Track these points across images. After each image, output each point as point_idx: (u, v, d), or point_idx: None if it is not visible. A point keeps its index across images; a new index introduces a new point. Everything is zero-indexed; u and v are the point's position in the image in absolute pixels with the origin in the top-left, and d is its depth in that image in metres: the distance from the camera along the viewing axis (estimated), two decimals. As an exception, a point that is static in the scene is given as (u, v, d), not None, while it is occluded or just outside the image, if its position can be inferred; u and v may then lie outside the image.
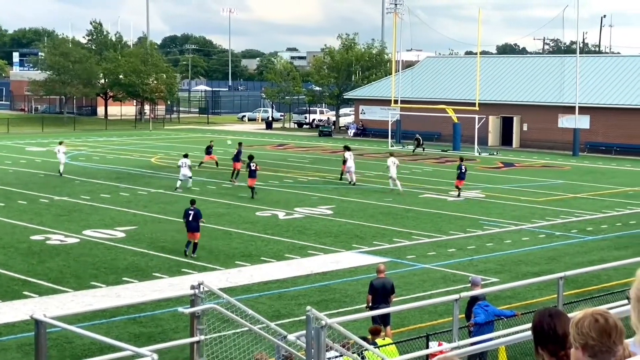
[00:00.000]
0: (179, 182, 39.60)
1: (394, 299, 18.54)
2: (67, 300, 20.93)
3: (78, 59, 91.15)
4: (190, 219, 26.02)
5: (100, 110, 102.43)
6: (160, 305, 20.10)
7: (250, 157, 38.36)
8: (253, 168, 37.65)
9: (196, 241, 26.07)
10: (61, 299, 21.07)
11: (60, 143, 46.30)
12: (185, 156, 40.63)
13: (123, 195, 38.12)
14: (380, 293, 18.17)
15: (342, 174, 43.96)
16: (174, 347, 14.51)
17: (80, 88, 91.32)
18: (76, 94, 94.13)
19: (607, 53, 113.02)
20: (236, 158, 42.95)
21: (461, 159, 40.04)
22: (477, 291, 16.16)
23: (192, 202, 27.19)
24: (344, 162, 43.46)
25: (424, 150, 61.87)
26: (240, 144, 45.64)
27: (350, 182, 42.55)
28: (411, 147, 63.32)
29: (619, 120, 62.58)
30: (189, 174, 40.00)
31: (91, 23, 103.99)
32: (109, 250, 26.79)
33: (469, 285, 17.54)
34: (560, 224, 32.45)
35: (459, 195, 38.45)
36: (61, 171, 44.22)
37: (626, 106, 62.24)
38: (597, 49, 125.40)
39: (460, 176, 38.65)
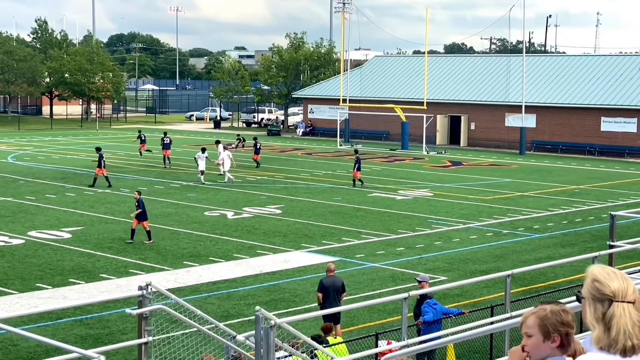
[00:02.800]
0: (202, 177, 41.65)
1: (344, 298, 18.53)
2: (12, 302, 20.58)
3: (22, 57, 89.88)
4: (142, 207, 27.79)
5: (46, 109, 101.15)
6: (107, 307, 19.87)
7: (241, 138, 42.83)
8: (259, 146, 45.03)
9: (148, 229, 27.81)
10: (6, 301, 20.71)
11: None
12: (203, 150, 42.82)
13: (69, 195, 37.63)
14: (331, 292, 18.16)
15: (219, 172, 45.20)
16: (122, 348, 14.33)
17: (25, 87, 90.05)
18: (20, 93, 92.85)
19: (552, 53, 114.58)
20: (166, 147, 49.22)
21: (356, 152, 43.98)
22: (425, 289, 16.23)
23: (139, 192, 28.70)
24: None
25: (243, 147, 60.34)
26: (165, 133, 52.28)
27: (221, 174, 43.57)
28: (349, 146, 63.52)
29: (564, 119, 63.47)
30: (202, 167, 41.76)
31: (36, 21, 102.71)
32: (54, 251, 26.41)
33: (417, 283, 17.61)
34: (507, 222, 32.77)
35: (354, 185, 41.12)
36: None
37: (571, 105, 63.15)
38: (543, 49, 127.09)
39: (358, 168, 41.26)
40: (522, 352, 4.16)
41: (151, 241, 27.51)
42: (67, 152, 57.06)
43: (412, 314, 16.35)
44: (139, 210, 27.73)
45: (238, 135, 51.98)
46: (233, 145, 50.00)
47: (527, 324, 4.19)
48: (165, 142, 49.68)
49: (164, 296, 12.77)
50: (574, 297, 4.10)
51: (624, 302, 3.73)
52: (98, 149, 41.76)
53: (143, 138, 54.14)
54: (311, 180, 43.97)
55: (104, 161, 40.86)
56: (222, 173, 43.17)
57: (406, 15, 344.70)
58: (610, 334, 3.67)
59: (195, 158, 43.30)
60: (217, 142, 46.22)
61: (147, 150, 53.63)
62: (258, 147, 50.26)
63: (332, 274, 18.58)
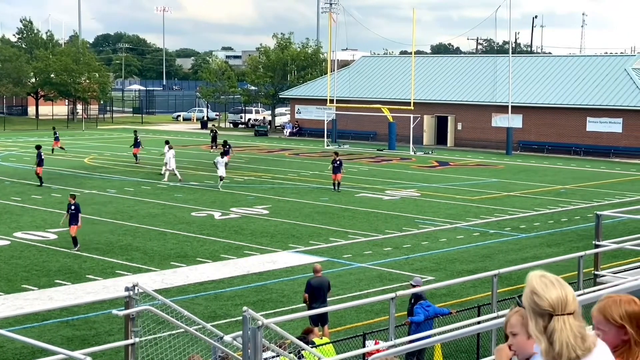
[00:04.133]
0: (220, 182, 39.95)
1: (330, 296, 18.52)
2: (-2, 304, 20.48)
3: (8, 57, 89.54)
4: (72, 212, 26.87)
5: (32, 109, 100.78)
6: (94, 308, 19.81)
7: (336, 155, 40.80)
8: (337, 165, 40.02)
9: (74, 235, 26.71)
10: (-9, 303, 20.60)
11: None
12: (222, 154, 41.59)
13: (55, 196, 37.49)
14: (318, 292, 18.16)
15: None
16: (109, 349, 14.29)
17: (10, 87, 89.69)
18: (6, 93, 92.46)
19: (538, 53, 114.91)
20: (136, 145, 50.81)
21: (336, 154, 41.68)
22: (417, 289, 16.24)
23: (73, 196, 27.85)
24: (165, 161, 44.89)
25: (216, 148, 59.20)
26: (135, 131, 54.52)
27: (161, 174, 43.75)
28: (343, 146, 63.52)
29: (550, 119, 63.68)
30: (223, 173, 40.12)
31: (21, 21, 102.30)
32: (40, 252, 26.31)
33: (412, 287, 17.54)
34: (494, 222, 32.85)
35: (335, 189, 39.82)
36: None
37: (557, 105, 63.35)
38: (529, 49, 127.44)
39: (335, 170, 40.08)
40: (509, 350, 4.17)
41: (77, 248, 26.28)
42: (53, 153, 56.76)
43: (405, 313, 16.43)
44: (68, 215, 26.89)
45: (225, 142, 52.49)
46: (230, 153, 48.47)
47: (511, 323, 4.20)
48: (137, 140, 51.22)
49: (151, 297, 12.73)
50: None
51: (563, 314, 3.71)
52: (38, 147, 42.41)
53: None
54: (298, 180, 43.98)
55: (42, 160, 41.42)
56: (162, 173, 43.74)
57: (393, 16, 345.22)
58: (554, 348, 3.66)
59: (214, 162, 41.49)
60: (167, 143, 45.88)
61: (61, 148, 55.17)
62: (227, 149, 47.62)
63: (319, 274, 18.59)
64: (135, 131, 56.47)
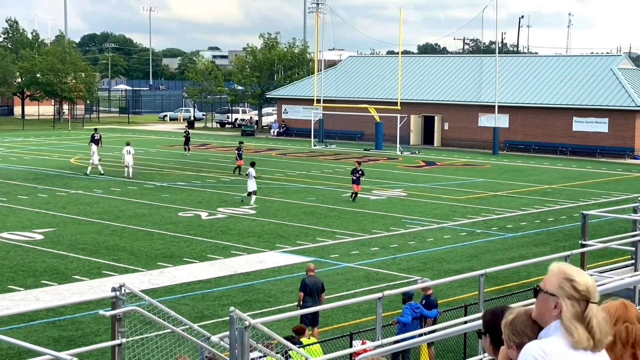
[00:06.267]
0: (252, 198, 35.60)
1: (323, 299, 18.47)
2: (-16, 305, 20.39)
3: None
4: None
5: (17, 109, 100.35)
6: (80, 308, 19.74)
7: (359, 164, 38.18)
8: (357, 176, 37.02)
9: None
10: (-23, 304, 20.51)
11: None
12: (252, 165, 36.74)
13: (41, 196, 37.36)
14: (312, 291, 18.15)
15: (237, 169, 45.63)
16: (95, 350, 14.25)
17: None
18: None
19: (525, 53, 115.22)
20: (95, 142, 49.96)
21: (358, 162, 38.90)
22: (407, 288, 16.25)
23: None
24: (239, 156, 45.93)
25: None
26: (96, 129, 55.03)
27: (127, 176, 44.06)
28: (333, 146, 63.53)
29: (537, 119, 63.87)
30: (254, 188, 35.60)
31: (7, 21, 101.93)
32: (26, 252, 26.21)
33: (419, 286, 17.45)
34: (481, 222, 32.92)
35: (353, 199, 37.10)
36: None
37: (544, 105, 63.55)
38: (515, 49, 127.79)
39: (356, 181, 37.05)
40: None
41: None
42: (39, 153, 56.64)
43: (390, 313, 16.39)
44: None
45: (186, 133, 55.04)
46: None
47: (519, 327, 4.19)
48: (95, 137, 51.05)
49: (138, 297, 12.70)
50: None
51: (594, 302, 3.78)
52: (95, 129, 43.35)
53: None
54: (285, 180, 43.96)
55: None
56: (91, 169, 44.78)
57: (379, 16, 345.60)
58: (592, 333, 3.72)
59: (247, 174, 37.03)
60: (96, 141, 46.79)
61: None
62: (240, 152, 47.22)
63: (313, 274, 18.58)
64: (95, 129, 56.81)
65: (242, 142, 50.55)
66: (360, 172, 37.35)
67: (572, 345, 3.71)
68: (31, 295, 21.44)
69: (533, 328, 3.94)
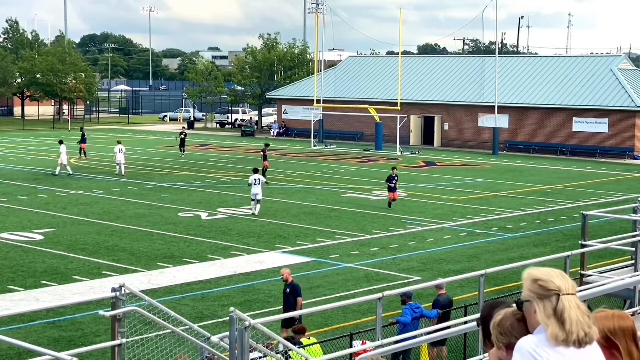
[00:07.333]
0: (257, 207, 33.65)
1: (299, 304, 18.29)
2: (-17, 305, 20.39)
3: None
4: None
5: (17, 110, 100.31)
6: (80, 309, 19.74)
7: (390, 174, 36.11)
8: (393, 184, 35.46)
9: None
10: (-23, 304, 20.51)
11: None
12: (255, 171, 34.72)
13: (41, 197, 37.35)
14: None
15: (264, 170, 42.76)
16: (95, 350, 14.24)
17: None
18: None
19: (524, 53, 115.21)
20: (82, 140, 52.93)
21: (394, 168, 37.23)
22: (404, 289, 16.26)
23: None
24: (264, 157, 45.15)
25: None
26: (81, 128, 56.67)
27: (119, 174, 44.65)
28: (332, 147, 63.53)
29: (536, 119, 63.86)
30: (259, 194, 33.58)
31: (7, 21, 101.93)
32: (26, 253, 26.21)
33: (435, 289, 17.46)
34: (480, 222, 32.91)
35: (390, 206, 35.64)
36: None
37: (544, 105, 63.54)
38: (515, 50, 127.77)
39: (392, 189, 35.63)
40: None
41: None
42: (39, 153, 56.63)
43: (388, 313, 16.39)
44: None
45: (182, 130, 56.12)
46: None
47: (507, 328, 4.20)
48: (84, 137, 53.31)
49: (138, 298, 12.70)
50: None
51: (568, 294, 3.78)
52: (81, 129, 43.50)
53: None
54: (285, 180, 43.95)
55: None
56: (60, 169, 44.69)
57: (379, 16, 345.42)
58: (565, 327, 3.71)
59: (249, 184, 34.04)
60: (61, 142, 46.87)
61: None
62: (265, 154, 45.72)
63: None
64: (81, 127, 57.22)
65: (268, 145, 49.21)
66: (396, 179, 35.95)
67: (555, 343, 3.73)
68: (31, 295, 21.45)
69: (520, 329, 3.96)
